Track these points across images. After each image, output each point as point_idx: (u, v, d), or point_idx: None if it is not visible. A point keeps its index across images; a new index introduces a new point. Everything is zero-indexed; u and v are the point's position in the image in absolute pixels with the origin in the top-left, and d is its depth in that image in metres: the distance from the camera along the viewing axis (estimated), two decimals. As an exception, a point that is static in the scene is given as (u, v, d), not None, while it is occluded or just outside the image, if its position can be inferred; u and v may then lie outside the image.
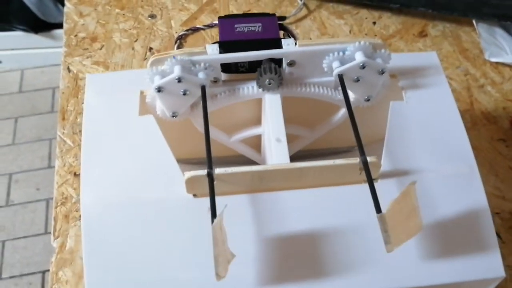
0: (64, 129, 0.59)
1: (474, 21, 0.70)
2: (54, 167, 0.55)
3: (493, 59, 0.67)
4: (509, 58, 0.66)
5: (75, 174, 0.55)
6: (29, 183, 1.29)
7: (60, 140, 0.58)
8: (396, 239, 0.32)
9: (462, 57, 0.68)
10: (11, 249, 1.18)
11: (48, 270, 1.10)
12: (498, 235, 0.51)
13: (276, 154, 0.39)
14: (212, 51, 0.41)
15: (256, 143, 0.50)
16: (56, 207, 0.53)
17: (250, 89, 0.42)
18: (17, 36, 1.44)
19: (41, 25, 1.43)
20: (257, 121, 0.47)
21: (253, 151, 0.50)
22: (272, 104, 0.42)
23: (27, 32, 1.43)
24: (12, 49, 1.49)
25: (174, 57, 0.39)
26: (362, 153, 0.36)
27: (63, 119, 0.60)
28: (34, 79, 1.49)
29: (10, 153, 1.34)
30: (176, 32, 0.69)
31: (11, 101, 1.45)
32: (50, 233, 1.13)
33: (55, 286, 0.48)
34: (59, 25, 1.42)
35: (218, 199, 0.34)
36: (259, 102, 0.45)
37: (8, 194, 1.27)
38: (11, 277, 1.14)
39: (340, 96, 0.43)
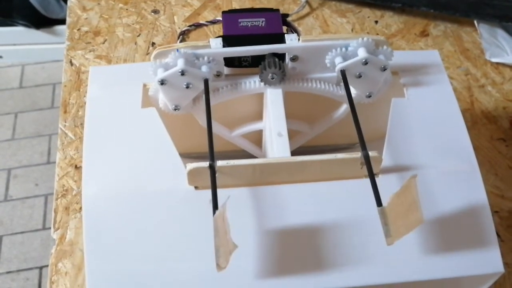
0: (65, 122, 0.59)
1: (475, 22, 0.70)
2: (53, 162, 0.55)
3: (494, 60, 0.67)
4: (509, 58, 0.67)
5: (76, 166, 0.55)
6: (28, 178, 1.29)
7: (61, 132, 0.58)
8: (396, 232, 0.32)
9: (463, 57, 0.68)
10: (8, 244, 1.18)
11: (46, 266, 1.10)
12: (496, 233, 0.51)
13: (277, 148, 0.39)
14: (216, 45, 0.41)
15: (256, 138, 0.50)
16: (56, 199, 0.53)
17: (252, 83, 0.43)
18: (19, 32, 1.44)
19: (43, 21, 1.43)
20: (259, 116, 0.48)
21: (253, 146, 0.50)
22: (273, 98, 0.42)
23: (29, 27, 1.43)
24: (13, 45, 1.48)
25: (178, 50, 0.40)
26: (364, 148, 0.36)
27: (65, 112, 0.60)
28: (35, 75, 1.49)
29: (10, 148, 1.34)
30: (179, 28, 0.69)
31: (12, 96, 1.45)
32: (48, 228, 1.13)
33: (54, 278, 0.48)
34: (61, 21, 1.43)
35: (219, 191, 0.35)
36: (261, 97, 0.45)
37: (6, 189, 1.27)
38: (8, 272, 1.14)
39: (342, 92, 0.43)
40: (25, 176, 1.29)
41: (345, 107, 0.46)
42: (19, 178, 1.29)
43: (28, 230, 1.20)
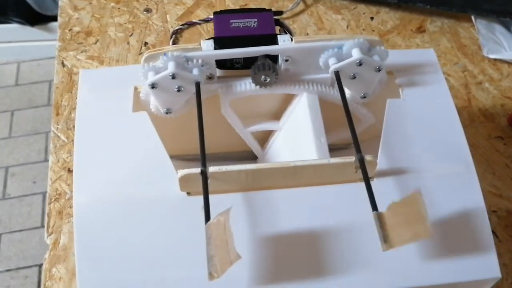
0: (58, 125, 0.58)
1: (472, 17, 0.69)
2: (49, 161, 0.55)
3: (492, 56, 0.66)
4: (507, 54, 0.66)
5: (69, 170, 0.55)
6: (25, 176, 1.28)
7: (54, 135, 0.58)
8: (397, 239, 0.32)
9: (460, 53, 0.67)
10: (7, 242, 1.18)
11: (45, 264, 1.09)
12: (494, 233, 0.51)
13: (319, 153, 0.40)
14: (207, 47, 0.40)
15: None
16: (50, 203, 0.53)
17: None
18: (14, 29, 1.44)
19: (37, 18, 1.42)
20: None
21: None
22: (311, 104, 0.42)
23: (24, 24, 1.42)
24: (9, 42, 1.48)
25: (165, 54, 0.39)
26: (359, 151, 0.36)
27: (57, 114, 0.59)
28: (31, 72, 1.49)
29: (7, 146, 1.34)
30: (172, 27, 0.68)
31: (8, 94, 1.44)
32: (46, 227, 1.12)
33: (48, 283, 0.48)
34: (56, 18, 1.41)
35: (212, 197, 0.34)
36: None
37: (4, 187, 1.26)
38: (7, 270, 1.14)
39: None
40: (23, 174, 1.29)
41: (364, 126, 0.46)
42: (16, 176, 1.29)
43: (27, 228, 1.20)
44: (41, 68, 1.49)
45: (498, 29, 0.68)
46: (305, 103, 0.42)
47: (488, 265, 0.35)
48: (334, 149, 0.53)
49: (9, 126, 1.38)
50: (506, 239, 0.51)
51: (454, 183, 0.38)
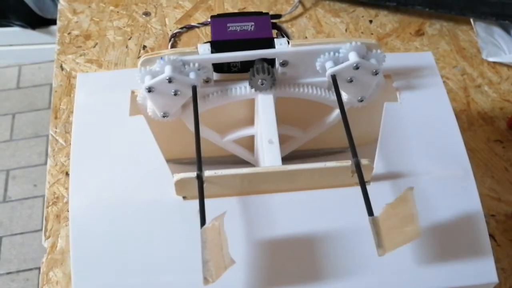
0: (56, 128, 0.58)
1: (471, 20, 0.69)
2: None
3: (491, 59, 0.66)
4: (507, 57, 0.66)
5: (66, 173, 0.55)
6: (26, 179, 1.29)
7: (52, 139, 0.58)
8: (390, 243, 0.31)
9: (459, 56, 0.67)
10: (8, 245, 1.18)
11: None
12: (493, 237, 0.50)
13: (268, 155, 0.39)
14: (204, 51, 0.40)
15: (249, 143, 0.49)
16: (47, 207, 0.53)
17: (242, 89, 0.42)
18: (15, 32, 1.44)
19: (38, 21, 1.43)
20: (251, 122, 0.47)
21: (246, 151, 0.49)
22: (264, 104, 0.41)
23: (25, 28, 1.42)
24: (10, 45, 1.48)
25: (162, 58, 0.39)
26: (355, 155, 0.36)
27: (56, 117, 0.59)
28: (32, 75, 1.49)
29: (8, 149, 1.34)
30: (171, 30, 0.68)
31: (9, 97, 1.44)
32: (46, 230, 1.12)
33: (46, 287, 0.48)
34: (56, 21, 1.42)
35: (207, 201, 0.34)
36: (252, 102, 0.44)
37: (5, 190, 1.26)
38: (8, 273, 1.14)
39: (334, 97, 0.42)
40: (24, 177, 1.29)
41: (337, 112, 0.45)
42: (17, 179, 1.29)
43: (28, 231, 1.20)
44: (42, 71, 1.49)
45: (497, 32, 0.68)
46: (260, 105, 0.42)
47: (485, 270, 0.34)
48: (330, 153, 0.53)
49: (10, 129, 1.38)
50: (505, 244, 0.51)
51: (451, 186, 0.37)
